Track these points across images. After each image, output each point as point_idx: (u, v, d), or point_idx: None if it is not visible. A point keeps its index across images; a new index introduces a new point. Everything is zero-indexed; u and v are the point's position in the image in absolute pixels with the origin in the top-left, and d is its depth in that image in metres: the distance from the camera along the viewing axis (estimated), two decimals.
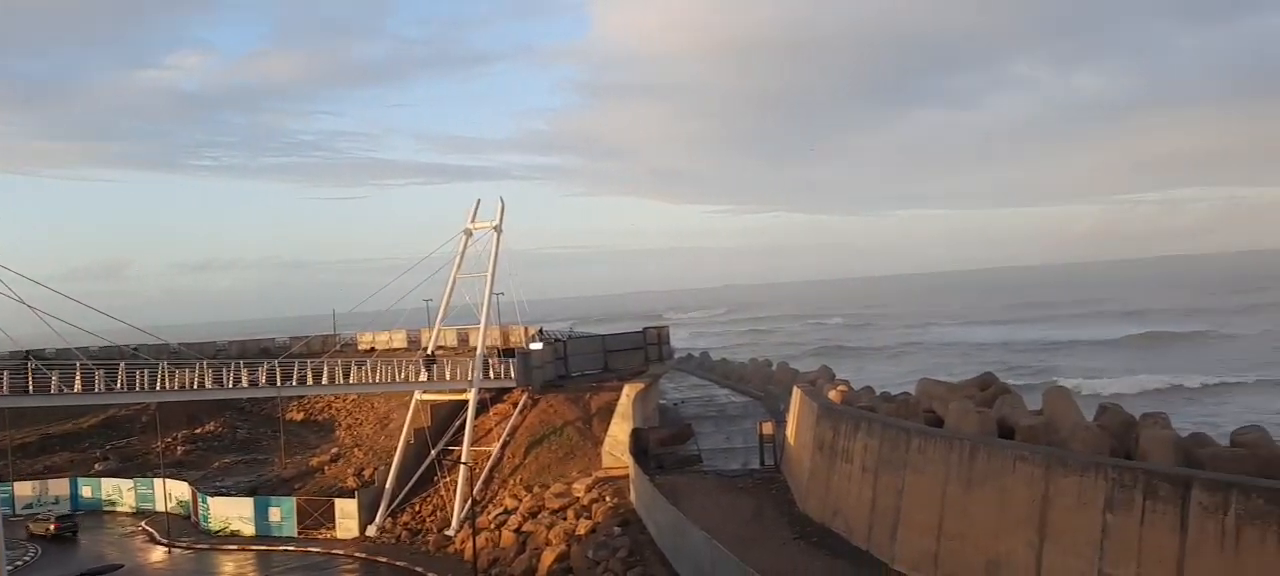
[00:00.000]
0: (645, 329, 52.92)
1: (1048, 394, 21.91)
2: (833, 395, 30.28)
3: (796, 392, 33.20)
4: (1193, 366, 72.67)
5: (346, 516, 40.28)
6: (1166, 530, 14.40)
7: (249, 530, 41.32)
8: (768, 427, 35.52)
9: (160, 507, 44.67)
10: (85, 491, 48.73)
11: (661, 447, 36.44)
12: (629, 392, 39.51)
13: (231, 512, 41.96)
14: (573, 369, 47.89)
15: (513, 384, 44.31)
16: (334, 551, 38.22)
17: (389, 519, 40.17)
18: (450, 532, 37.77)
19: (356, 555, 37.40)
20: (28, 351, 42.40)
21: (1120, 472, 15.81)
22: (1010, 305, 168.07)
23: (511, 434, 42.28)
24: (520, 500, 36.74)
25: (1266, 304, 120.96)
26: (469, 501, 36.64)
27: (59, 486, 48.94)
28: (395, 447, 42.62)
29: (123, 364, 35.37)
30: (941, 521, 20.01)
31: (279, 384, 40.01)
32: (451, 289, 43.97)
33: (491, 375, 43.97)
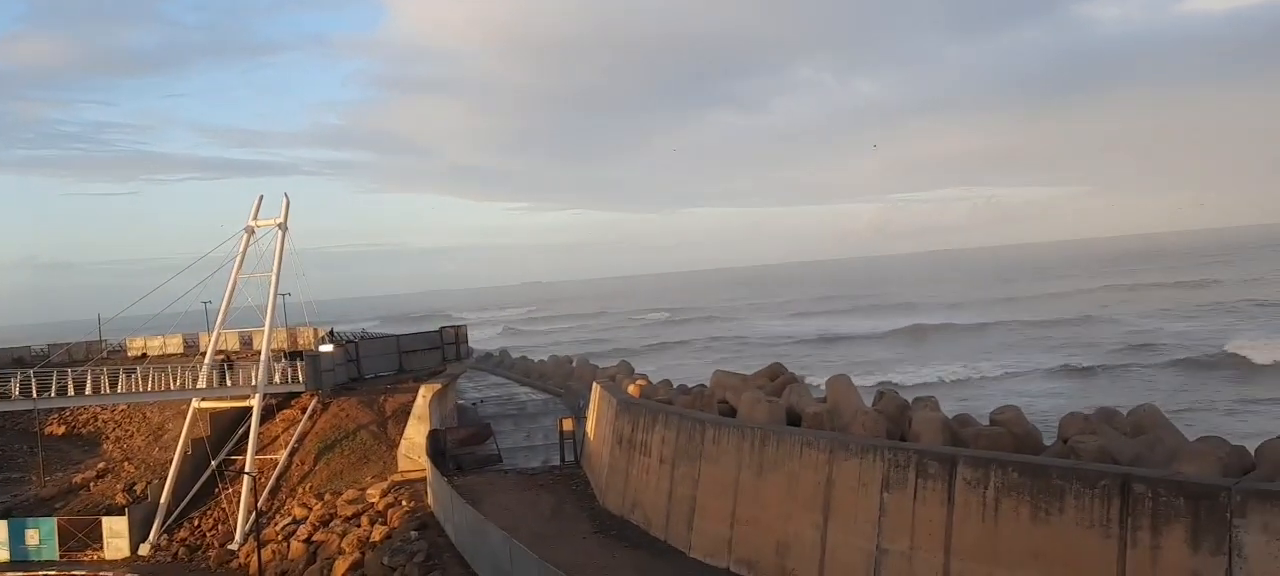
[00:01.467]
0: (442, 328, 51.67)
1: (831, 382, 23.00)
2: (631, 389, 30.63)
3: (596, 388, 33.38)
4: (957, 354, 78.98)
5: (116, 536, 37.05)
6: (936, 504, 15.38)
7: (3, 555, 37.25)
8: (568, 424, 35.52)
9: None
10: None
11: (460, 448, 35.69)
12: (425, 393, 38.51)
13: None
14: (366, 371, 46.11)
15: (301, 388, 42.12)
16: (101, 573, 35.16)
17: (164, 536, 37.32)
18: (233, 547, 35.52)
19: None
20: None
21: (896, 453, 16.75)
22: (798, 299, 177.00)
23: (300, 440, 40.23)
24: (310, 509, 35.03)
25: (1023, 296, 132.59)
26: (253, 513, 34.61)
27: None
28: (171, 460, 39.61)
29: None
30: (735, 508, 20.59)
31: (36, 395, 36.32)
32: (232, 289, 41.30)
33: (277, 379, 41.66)
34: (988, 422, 18.23)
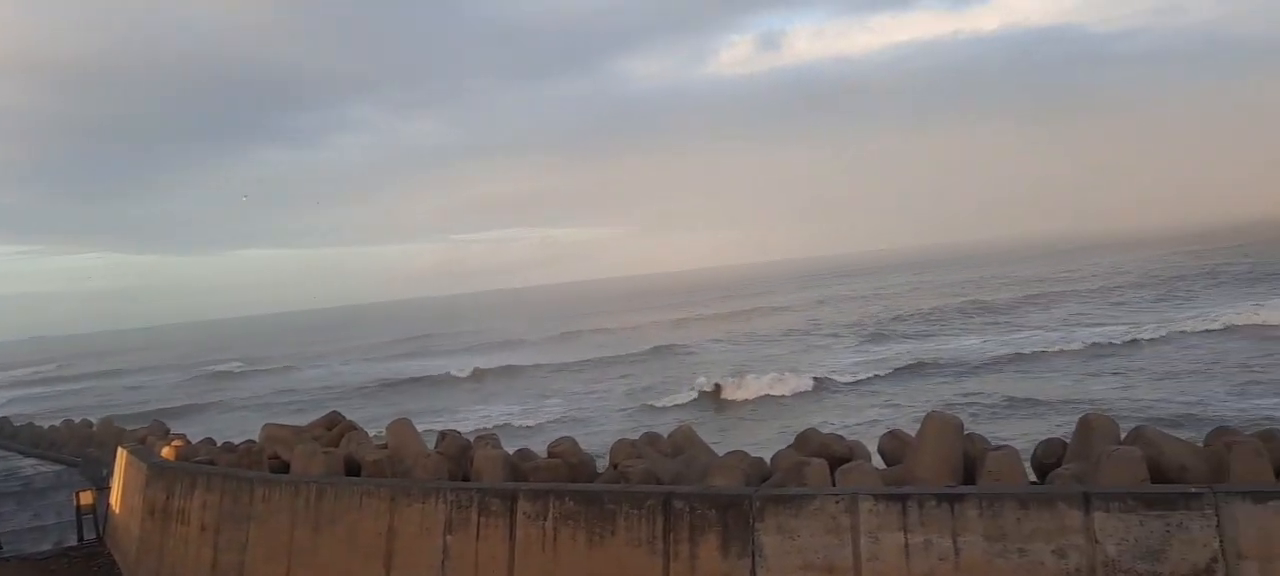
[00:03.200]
0: None
1: (392, 427, 22.28)
2: (166, 452, 27.28)
3: (121, 454, 29.33)
4: (525, 394, 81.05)
5: None
6: (499, 541, 15.38)
7: None
8: (87, 497, 30.80)
9: None
10: None
11: None
12: None
13: None
14: None
15: None
16: None
17: None
18: None
19: None
20: None
21: (458, 494, 16.54)
22: (360, 343, 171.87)
23: None
24: None
25: (586, 330, 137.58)
26: None
27: None
28: None
29: None
30: (290, 569, 19.03)
31: None
32: None
33: None
34: (546, 455, 18.74)
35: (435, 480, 19.63)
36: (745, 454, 11.91)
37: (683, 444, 15.92)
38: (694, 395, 59.36)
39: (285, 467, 24.61)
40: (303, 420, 33.46)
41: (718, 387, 60.49)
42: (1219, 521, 6.69)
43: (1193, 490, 6.98)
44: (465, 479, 21.13)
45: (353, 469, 22.54)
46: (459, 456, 21.30)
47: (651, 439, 18.22)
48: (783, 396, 60.37)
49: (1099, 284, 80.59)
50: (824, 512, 8.60)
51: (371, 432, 29.06)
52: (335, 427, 26.75)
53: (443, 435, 24.04)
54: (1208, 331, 41.13)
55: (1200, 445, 8.66)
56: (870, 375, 48.62)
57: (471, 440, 22.92)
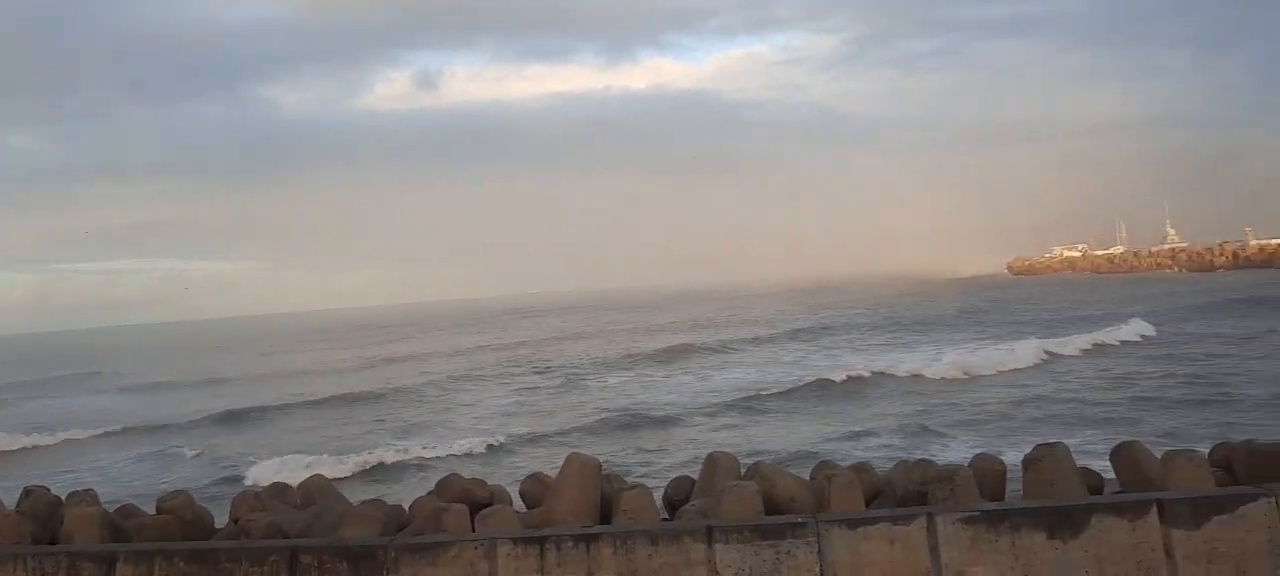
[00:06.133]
0: None
1: None
2: None
3: None
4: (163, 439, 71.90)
5: None
6: None
7: None
8: None
9: None
10: None
11: None
12: None
13: None
14: None
15: None
16: None
17: None
18: None
19: None
20: None
21: (42, 561, 14.22)
22: None
23: None
24: None
25: (234, 376, 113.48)
26: None
27: None
28: None
29: None
30: None
31: None
32: None
33: None
34: (154, 512, 16.72)
35: (15, 545, 16.77)
36: (382, 502, 11.34)
37: (315, 494, 14.90)
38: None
39: None
40: None
41: None
42: (820, 547, 7.35)
43: (799, 520, 7.65)
44: (53, 540, 18.26)
45: None
46: (46, 516, 18.40)
47: (279, 490, 16.88)
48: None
49: (750, 333, 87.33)
50: (462, 559, 8.37)
51: None
52: None
53: (27, 492, 20.68)
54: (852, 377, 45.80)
55: (807, 478, 9.50)
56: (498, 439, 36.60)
57: (63, 498, 19.94)
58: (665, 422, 38.43)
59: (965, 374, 45.11)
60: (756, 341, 77.03)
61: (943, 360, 50.19)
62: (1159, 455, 8.63)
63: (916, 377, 45.36)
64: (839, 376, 45.68)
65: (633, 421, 38.88)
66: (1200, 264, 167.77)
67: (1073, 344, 52.24)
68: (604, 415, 41.33)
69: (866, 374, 46.23)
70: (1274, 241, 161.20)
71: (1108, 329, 58.51)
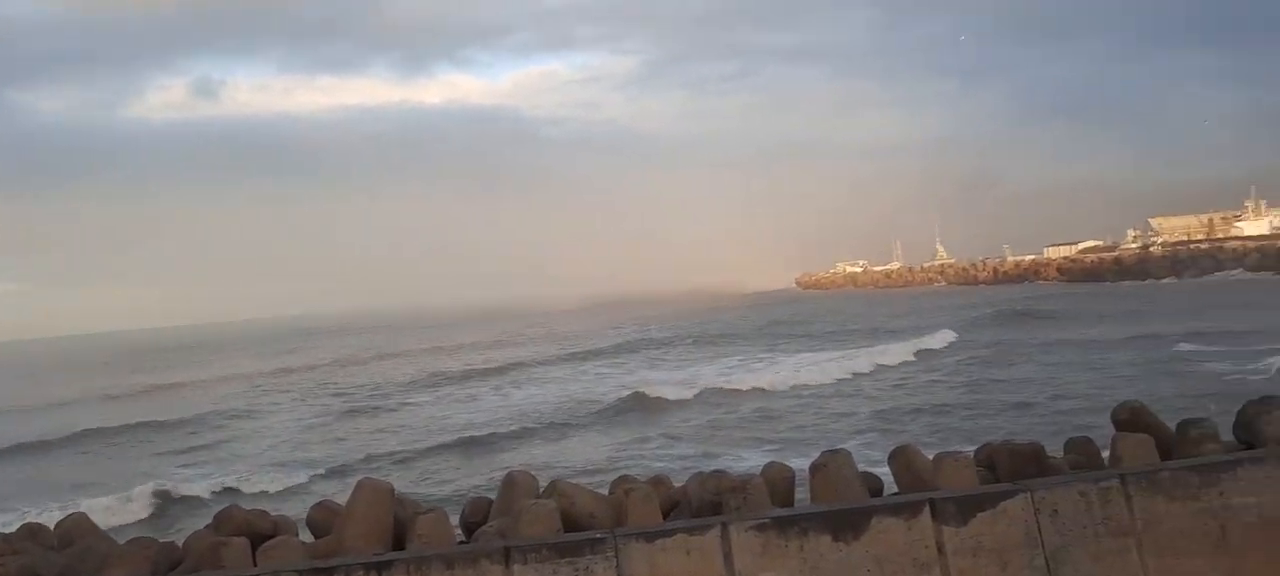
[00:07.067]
0: None
1: None
2: None
3: None
4: None
5: None
6: None
7: None
8: None
9: None
10: None
11: None
12: None
13: None
14: None
15: None
16: None
17: None
18: None
19: None
20: None
21: None
22: None
23: None
24: None
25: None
26: None
27: None
28: None
29: None
30: None
31: None
32: None
33: None
34: None
35: None
36: (154, 540, 10.42)
37: (75, 533, 13.56)
38: None
39: None
40: None
41: None
42: (618, 561, 7.35)
43: (598, 535, 7.63)
44: None
45: None
46: None
47: (34, 531, 15.27)
48: None
49: (553, 351, 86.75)
50: None
51: None
52: None
53: None
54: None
55: (606, 493, 9.51)
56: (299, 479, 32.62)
57: None
58: (465, 445, 37.67)
59: (766, 387, 47.08)
60: (558, 360, 77.08)
61: (739, 374, 52.15)
62: (931, 457, 9.21)
63: (717, 392, 46.74)
64: (649, 392, 46.40)
65: (438, 447, 37.86)
66: (965, 278, 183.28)
67: (861, 359, 55.09)
68: (406, 440, 40.11)
69: (664, 390, 47.20)
70: (1028, 257, 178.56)
71: (886, 346, 62.28)
